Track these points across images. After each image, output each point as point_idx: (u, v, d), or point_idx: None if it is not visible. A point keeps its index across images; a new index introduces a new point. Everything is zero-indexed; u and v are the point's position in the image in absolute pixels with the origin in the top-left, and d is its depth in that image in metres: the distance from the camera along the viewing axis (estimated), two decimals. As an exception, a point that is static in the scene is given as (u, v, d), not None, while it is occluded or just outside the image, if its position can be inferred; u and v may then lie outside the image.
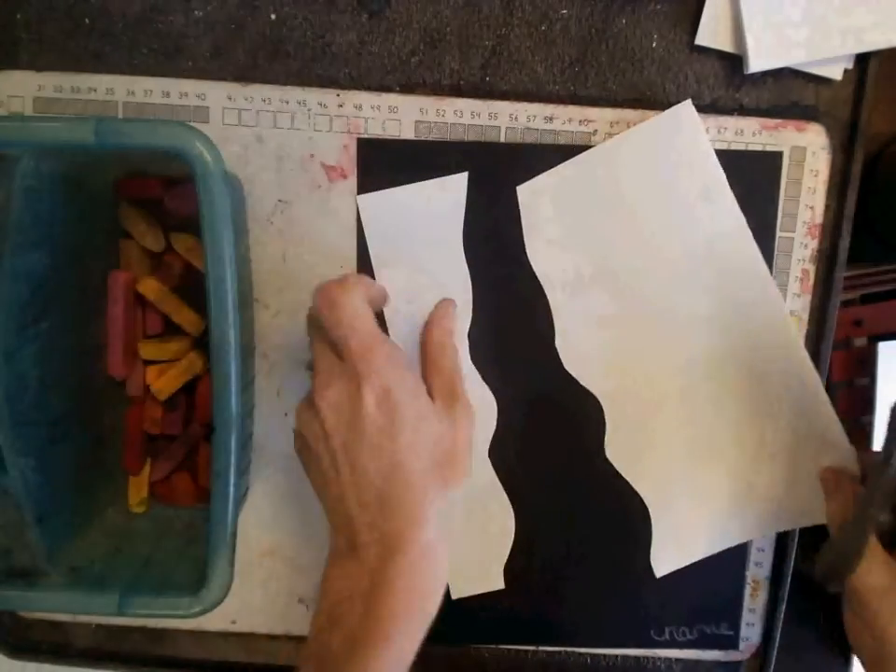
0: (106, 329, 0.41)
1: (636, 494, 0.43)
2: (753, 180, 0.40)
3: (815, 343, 0.42)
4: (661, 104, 0.40)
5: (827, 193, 0.41)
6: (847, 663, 0.46)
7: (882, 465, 0.35)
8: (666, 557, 0.43)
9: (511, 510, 0.43)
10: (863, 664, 0.38)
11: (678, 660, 0.45)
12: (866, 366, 0.45)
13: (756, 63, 0.39)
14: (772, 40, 0.39)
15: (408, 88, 0.40)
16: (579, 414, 0.42)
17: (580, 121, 0.40)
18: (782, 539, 0.44)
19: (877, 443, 0.44)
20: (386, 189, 0.40)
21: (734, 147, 0.40)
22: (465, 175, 0.40)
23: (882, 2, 0.38)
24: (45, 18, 0.40)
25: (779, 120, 0.40)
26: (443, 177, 0.40)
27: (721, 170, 0.39)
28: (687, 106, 0.39)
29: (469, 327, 0.42)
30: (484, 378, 0.42)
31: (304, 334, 0.40)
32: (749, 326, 0.41)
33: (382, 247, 0.41)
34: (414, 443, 0.32)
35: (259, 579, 0.44)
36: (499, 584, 0.44)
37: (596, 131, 0.40)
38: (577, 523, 0.43)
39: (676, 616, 0.44)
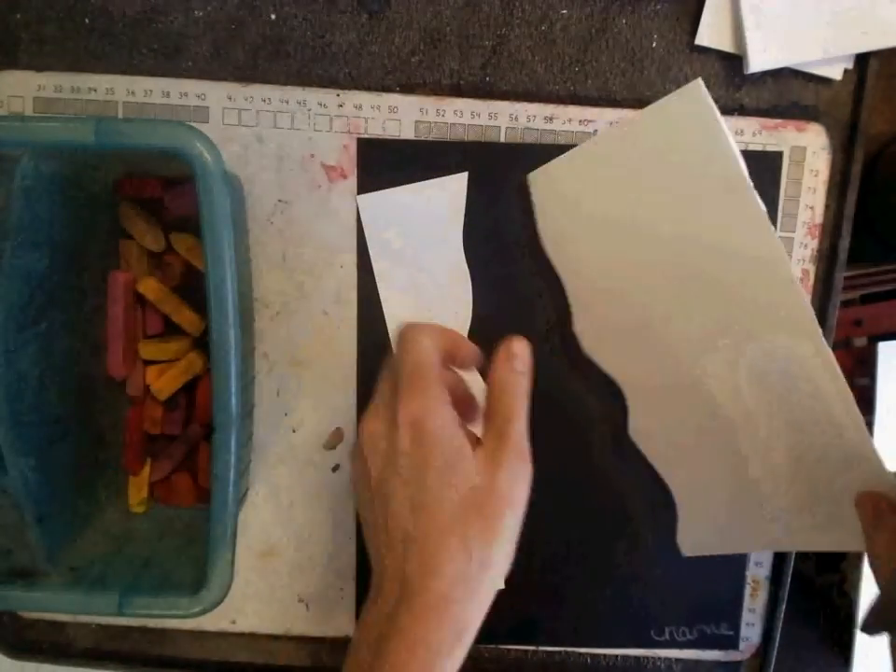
0: (106, 329, 0.41)
1: (654, 480, 0.42)
2: (753, 180, 0.40)
3: (815, 343, 0.42)
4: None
5: (827, 193, 0.41)
6: (847, 663, 0.46)
7: None
8: (696, 540, 0.42)
9: (511, 510, 0.43)
10: None
11: (678, 660, 0.45)
12: (866, 366, 0.45)
13: (756, 63, 0.39)
14: (772, 40, 0.39)
15: (408, 88, 0.40)
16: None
17: (580, 121, 0.40)
18: (782, 539, 0.44)
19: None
20: (386, 189, 0.40)
21: (734, 146, 0.40)
22: (465, 175, 0.40)
23: (882, 2, 0.38)
24: (45, 18, 0.40)
25: (779, 120, 0.40)
26: (443, 177, 0.40)
27: (738, 154, 0.35)
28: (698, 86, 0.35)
29: (469, 327, 0.42)
30: (485, 378, 0.42)
31: (304, 334, 0.41)
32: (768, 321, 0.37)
33: (382, 247, 0.41)
34: (443, 486, 0.29)
35: (259, 579, 0.44)
36: (499, 584, 0.44)
37: (596, 131, 0.40)
38: (577, 522, 0.43)
39: (676, 616, 0.44)
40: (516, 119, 0.40)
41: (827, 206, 0.41)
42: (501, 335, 0.42)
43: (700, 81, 0.35)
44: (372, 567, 0.32)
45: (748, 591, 0.44)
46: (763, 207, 0.35)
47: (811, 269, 0.41)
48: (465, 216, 0.41)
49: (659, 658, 0.45)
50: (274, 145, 0.40)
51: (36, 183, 0.34)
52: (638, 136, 0.37)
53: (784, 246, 0.37)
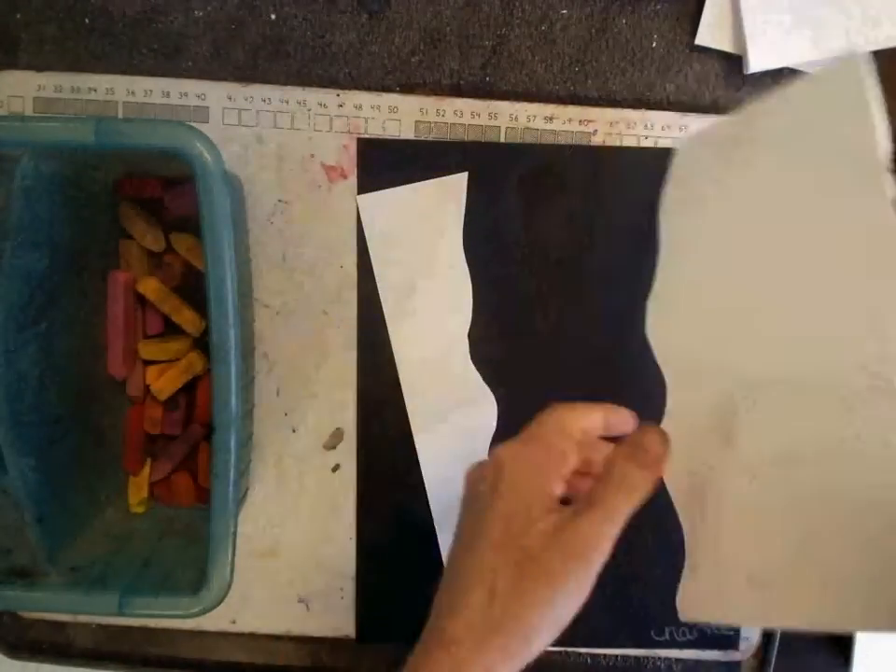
0: (106, 329, 0.41)
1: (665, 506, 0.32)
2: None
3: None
4: (661, 104, 0.40)
5: (827, 193, 0.41)
6: (847, 663, 0.46)
7: None
8: (699, 602, 0.33)
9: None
10: None
11: (678, 660, 0.45)
12: None
13: (756, 63, 0.39)
14: (772, 40, 0.39)
15: (408, 88, 0.40)
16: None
17: (580, 121, 0.40)
18: (782, 539, 0.44)
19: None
20: (386, 189, 0.40)
21: (734, 146, 0.40)
22: (465, 175, 0.40)
23: (882, 2, 0.38)
24: (45, 18, 0.40)
25: (779, 120, 0.40)
26: (443, 177, 0.40)
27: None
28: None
29: (469, 327, 0.42)
30: (484, 378, 0.42)
31: (304, 334, 0.41)
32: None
33: (382, 247, 0.41)
34: (494, 523, 0.28)
35: (259, 579, 0.44)
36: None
37: (596, 131, 0.40)
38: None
39: (676, 616, 0.44)
40: (516, 119, 0.40)
41: (827, 206, 0.41)
42: (501, 335, 0.42)
43: (867, 54, 0.25)
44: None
45: (748, 591, 0.44)
46: None
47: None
48: (465, 216, 0.41)
49: (659, 658, 0.45)
50: (274, 145, 0.40)
51: (36, 183, 0.34)
52: (783, 111, 0.29)
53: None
